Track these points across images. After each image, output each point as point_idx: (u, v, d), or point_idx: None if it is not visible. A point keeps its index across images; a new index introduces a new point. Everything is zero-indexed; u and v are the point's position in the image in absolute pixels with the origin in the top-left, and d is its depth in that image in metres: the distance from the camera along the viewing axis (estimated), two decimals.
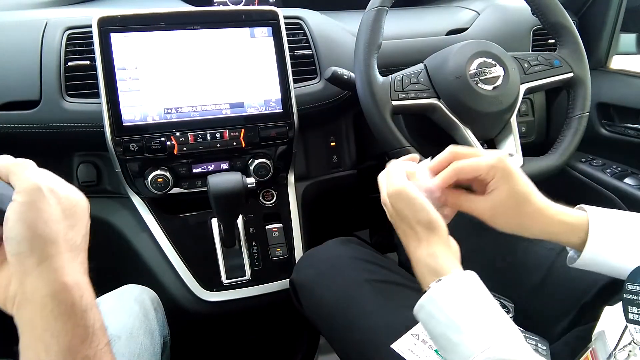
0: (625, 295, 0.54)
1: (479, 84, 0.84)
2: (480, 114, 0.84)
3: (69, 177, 0.98)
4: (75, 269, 0.41)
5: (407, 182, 0.57)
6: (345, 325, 0.71)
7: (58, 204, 0.42)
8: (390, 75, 0.85)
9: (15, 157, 0.43)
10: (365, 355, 0.67)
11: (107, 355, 0.41)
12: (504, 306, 0.63)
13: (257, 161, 0.96)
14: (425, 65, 0.89)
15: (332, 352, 1.27)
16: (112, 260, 1.06)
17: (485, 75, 0.85)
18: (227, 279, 0.95)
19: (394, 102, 0.83)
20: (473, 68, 0.85)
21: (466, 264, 0.68)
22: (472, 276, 0.53)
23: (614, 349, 0.52)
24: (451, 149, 0.60)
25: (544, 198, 0.60)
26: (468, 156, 0.59)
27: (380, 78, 0.83)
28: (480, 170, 0.57)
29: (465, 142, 0.86)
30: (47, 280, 0.39)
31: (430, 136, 0.97)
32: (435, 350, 0.62)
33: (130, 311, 0.74)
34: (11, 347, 0.43)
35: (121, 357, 0.65)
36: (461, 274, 0.53)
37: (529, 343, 0.64)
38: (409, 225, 0.56)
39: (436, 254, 0.54)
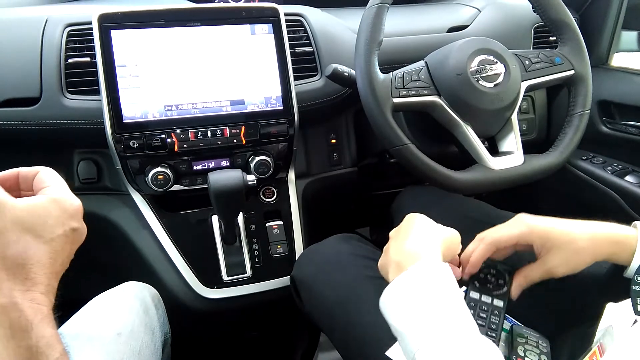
0: (634, 287, 0.55)
1: (480, 81, 0.84)
2: (481, 111, 0.84)
3: (69, 174, 0.98)
4: (13, 288, 0.40)
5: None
6: (345, 321, 0.71)
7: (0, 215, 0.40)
8: (391, 73, 0.85)
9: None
10: (366, 351, 0.67)
11: None
12: (538, 344, 0.65)
13: (257, 158, 0.96)
14: (426, 62, 0.89)
15: (332, 349, 1.27)
16: (113, 258, 1.06)
17: (486, 72, 0.85)
18: (228, 276, 0.95)
19: (395, 99, 0.82)
20: (474, 65, 0.85)
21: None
22: (436, 268, 0.53)
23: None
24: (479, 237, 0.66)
25: (585, 227, 0.63)
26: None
27: (381, 75, 0.83)
28: (513, 238, 0.63)
29: (465, 139, 0.86)
30: None
31: (431, 133, 0.97)
32: None
33: (130, 308, 0.74)
34: None
35: (122, 354, 0.65)
36: (426, 264, 0.53)
37: (530, 340, 0.64)
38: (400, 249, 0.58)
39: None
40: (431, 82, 0.87)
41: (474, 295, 0.66)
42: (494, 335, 0.62)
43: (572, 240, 0.61)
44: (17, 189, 0.46)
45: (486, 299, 0.65)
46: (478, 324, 0.53)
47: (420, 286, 0.51)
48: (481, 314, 0.64)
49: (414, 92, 0.85)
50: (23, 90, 0.88)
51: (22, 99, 0.88)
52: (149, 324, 0.74)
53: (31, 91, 0.88)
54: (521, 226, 0.64)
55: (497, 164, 0.85)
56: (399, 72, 0.85)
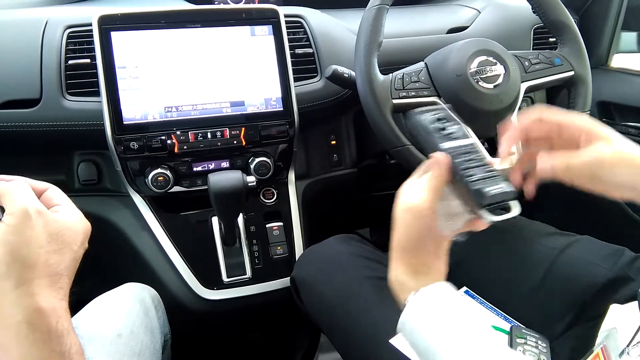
0: None
1: (479, 83, 0.84)
2: (481, 112, 0.84)
3: (69, 175, 0.98)
4: (52, 294, 0.41)
5: (429, 201, 0.52)
6: (345, 321, 0.72)
7: (44, 227, 0.42)
8: (391, 74, 0.85)
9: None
10: (366, 352, 0.68)
11: None
12: (537, 344, 0.63)
13: (257, 160, 0.96)
14: (425, 63, 0.89)
15: (332, 350, 1.26)
16: (113, 259, 1.06)
17: (486, 73, 0.85)
18: (228, 277, 0.95)
19: (395, 101, 0.82)
20: (474, 66, 0.85)
21: (466, 263, 0.69)
22: (448, 290, 0.51)
23: (628, 345, 0.52)
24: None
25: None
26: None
27: (380, 76, 0.83)
28: (574, 126, 0.55)
29: None
30: (23, 306, 0.39)
31: None
32: None
33: (130, 309, 0.74)
34: None
35: (122, 355, 0.65)
36: (435, 285, 0.51)
37: (529, 341, 0.64)
38: (401, 245, 0.54)
39: (413, 273, 0.52)
40: (431, 83, 0.87)
41: None
42: None
43: (624, 143, 0.54)
44: None
45: None
46: None
47: (440, 307, 0.50)
48: None
49: (413, 93, 0.85)
50: (23, 92, 0.89)
51: (22, 100, 0.89)
52: (149, 325, 0.74)
53: (31, 93, 0.88)
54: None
55: (497, 165, 0.85)
56: (398, 74, 0.85)
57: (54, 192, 0.48)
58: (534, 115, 0.57)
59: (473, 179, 0.53)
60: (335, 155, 1.12)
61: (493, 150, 0.90)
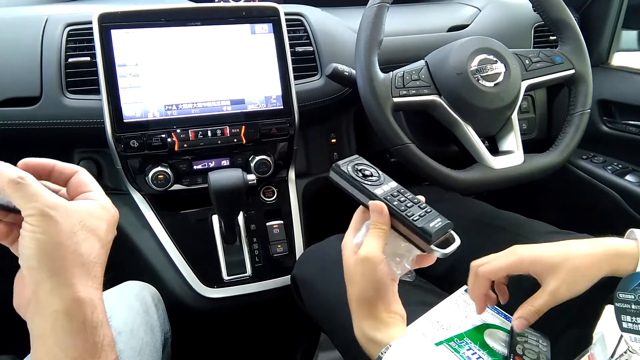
0: (617, 304, 0.54)
1: (480, 81, 0.84)
2: (482, 110, 0.84)
3: None
4: (87, 284, 0.41)
5: (380, 248, 0.55)
6: (346, 320, 0.71)
7: (66, 220, 0.41)
8: (391, 72, 0.85)
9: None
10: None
11: None
12: (537, 342, 0.64)
13: (257, 158, 0.96)
14: (426, 61, 0.89)
15: (332, 349, 1.26)
16: (113, 257, 1.06)
17: (487, 71, 0.85)
18: (228, 275, 0.95)
19: (395, 99, 0.82)
20: (474, 64, 0.85)
21: (465, 262, 0.69)
22: (416, 337, 0.54)
23: (611, 357, 0.52)
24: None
25: (580, 244, 0.62)
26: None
27: (381, 74, 0.83)
28: (503, 269, 0.62)
29: (466, 138, 0.86)
30: (60, 296, 0.39)
31: (431, 133, 0.97)
32: (435, 344, 0.62)
33: (131, 308, 0.74)
34: (17, 344, 0.43)
35: (122, 353, 0.65)
36: (406, 337, 0.52)
37: (530, 340, 0.64)
38: (363, 297, 0.55)
39: (379, 325, 0.54)
40: (431, 81, 0.87)
41: None
42: None
43: (567, 259, 0.59)
44: (46, 179, 0.46)
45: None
46: None
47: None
48: None
49: (414, 91, 0.85)
50: (23, 90, 0.89)
51: (22, 98, 0.88)
52: (149, 323, 0.74)
53: (31, 90, 0.88)
54: (511, 256, 0.62)
55: (497, 163, 0.85)
56: (399, 72, 0.85)
57: (85, 177, 0.47)
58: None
59: (414, 218, 0.57)
60: (335, 154, 1.12)
61: (493, 148, 0.90)
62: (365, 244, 0.56)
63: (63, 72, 0.90)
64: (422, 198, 0.61)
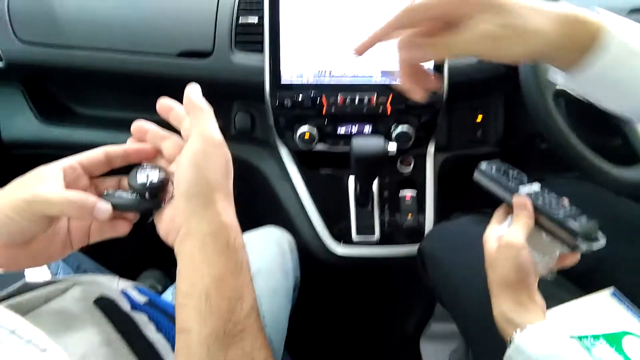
0: None
1: None
2: None
3: (227, 122, 1.08)
4: (231, 212, 0.46)
5: (522, 239, 0.57)
6: (469, 303, 0.72)
7: (223, 155, 0.46)
8: None
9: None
10: (486, 334, 0.67)
11: (249, 288, 0.46)
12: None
13: (400, 128, 0.97)
14: None
15: (445, 322, 1.27)
16: (257, 201, 1.17)
17: None
18: (357, 235, 0.99)
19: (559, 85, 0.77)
20: None
21: (612, 262, 0.64)
22: (552, 325, 0.54)
23: None
24: None
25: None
26: None
27: None
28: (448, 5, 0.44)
29: (635, 133, 0.77)
30: (210, 221, 0.44)
31: (593, 121, 0.89)
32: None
33: (270, 250, 0.82)
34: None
35: (260, 290, 0.72)
36: (542, 323, 0.53)
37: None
38: (505, 281, 0.57)
39: (519, 308, 0.56)
40: None
41: None
42: None
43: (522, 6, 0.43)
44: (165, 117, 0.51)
45: None
46: None
47: (547, 347, 0.52)
48: None
49: None
50: (199, 44, 0.99)
51: (197, 51, 0.99)
52: (284, 266, 0.81)
53: (205, 45, 0.98)
54: None
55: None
56: None
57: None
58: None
59: (560, 214, 0.59)
60: (479, 132, 1.09)
61: None
62: (509, 232, 0.58)
63: (234, 31, 0.98)
64: (565, 199, 0.62)
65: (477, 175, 0.68)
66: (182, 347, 0.43)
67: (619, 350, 0.59)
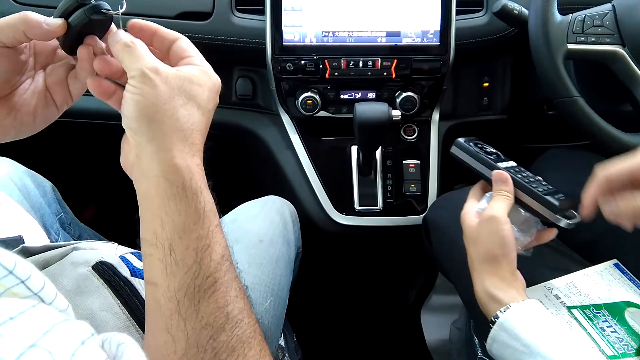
0: None
1: None
2: None
3: (228, 88, 1.05)
4: (184, 150, 0.41)
5: (504, 213, 0.57)
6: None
7: (165, 84, 0.41)
8: (571, 15, 0.76)
9: None
10: None
11: (218, 235, 0.42)
12: None
13: (404, 94, 0.94)
14: (613, 5, 0.78)
15: (447, 294, 1.28)
16: (258, 169, 1.15)
17: None
18: (360, 205, 0.98)
19: (570, 46, 0.74)
20: None
21: (615, 233, 0.63)
22: (536, 304, 0.54)
23: None
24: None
25: None
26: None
27: (558, 16, 0.75)
28: (626, 169, 0.50)
29: None
30: (158, 161, 0.40)
31: (602, 87, 0.87)
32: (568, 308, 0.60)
33: (272, 220, 0.81)
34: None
35: (262, 259, 0.72)
36: (527, 302, 0.54)
37: None
38: (489, 256, 0.57)
39: (502, 284, 0.56)
40: (616, 29, 0.76)
41: None
42: None
43: None
44: (148, 44, 0.45)
45: None
46: None
47: (533, 319, 0.53)
48: None
49: (593, 39, 0.75)
50: (198, 5, 0.95)
51: (196, 12, 0.95)
52: (286, 236, 0.80)
53: (205, 6, 0.95)
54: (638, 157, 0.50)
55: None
56: (579, 15, 0.76)
57: (186, 43, 0.46)
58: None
59: (539, 191, 0.59)
60: (485, 99, 1.06)
61: None
62: (490, 206, 0.59)
63: None
64: (540, 177, 0.63)
65: (454, 150, 0.68)
66: (151, 300, 0.41)
67: (621, 320, 0.59)
